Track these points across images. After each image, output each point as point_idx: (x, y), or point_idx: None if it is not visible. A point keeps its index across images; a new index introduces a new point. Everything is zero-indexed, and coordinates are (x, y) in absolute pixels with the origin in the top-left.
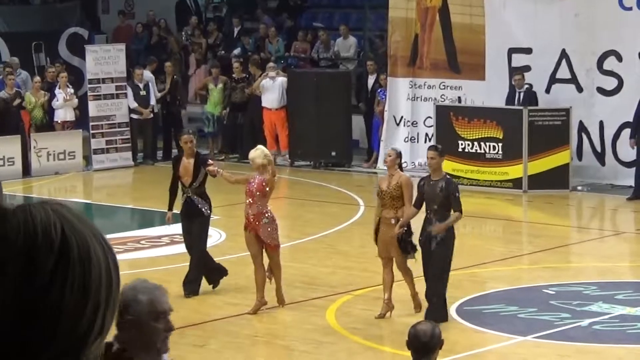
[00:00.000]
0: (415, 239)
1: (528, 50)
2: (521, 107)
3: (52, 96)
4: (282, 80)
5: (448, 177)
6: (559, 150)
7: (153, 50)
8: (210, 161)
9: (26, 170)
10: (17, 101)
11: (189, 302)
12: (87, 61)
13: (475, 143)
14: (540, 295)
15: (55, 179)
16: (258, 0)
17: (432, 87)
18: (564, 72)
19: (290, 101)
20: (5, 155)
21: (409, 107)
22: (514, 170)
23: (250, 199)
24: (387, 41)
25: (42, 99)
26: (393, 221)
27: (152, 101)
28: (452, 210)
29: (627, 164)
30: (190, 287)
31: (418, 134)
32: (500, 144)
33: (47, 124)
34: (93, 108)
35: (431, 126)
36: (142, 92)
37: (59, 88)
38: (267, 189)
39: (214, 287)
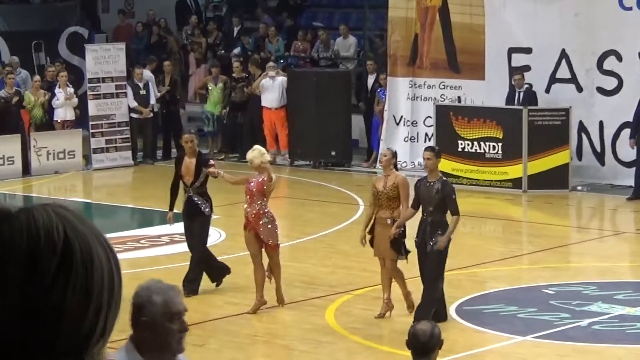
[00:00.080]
0: (412, 240)
1: (528, 50)
2: (521, 107)
3: (52, 95)
4: (282, 79)
5: (444, 179)
6: (558, 150)
7: (153, 50)
8: (211, 161)
9: (26, 170)
10: (16, 99)
11: (188, 302)
12: (87, 60)
13: (475, 143)
14: (540, 295)
15: (55, 178)
16: (258, 0)
17: (432, 86)
18: (563, 72)
19: (290, 101)
20: (5, 155)
21: (408, 106)
22: (514, 170)
23: (249, 199)
24: (387, 41)
25: (42, 98)
26: (389, 221)
27: (152, 100)
28: (448, 213)
29: (627, 164)
30: (190, 286)
31: (418, 133)
32: (500, 144)
33: (47, 123)
34: (93, 107)
35: (431, 126)
36: (142, 92)
37: (59, 87)
38: (266, 188)
39: (217, 286)
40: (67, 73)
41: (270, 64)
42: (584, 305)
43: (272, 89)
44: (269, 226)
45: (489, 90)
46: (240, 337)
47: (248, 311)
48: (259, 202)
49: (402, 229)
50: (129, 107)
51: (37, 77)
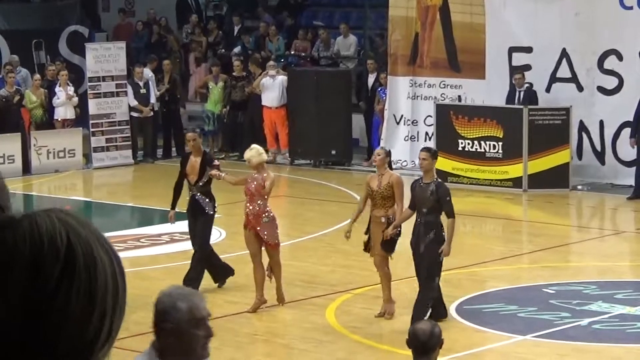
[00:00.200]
0: (407, 241)
1: (528, 49)
2: (521, 106)
3: (53, 94)
4: (282, 78)
5: (439, 180)
6: (559, 150)
7: (153, 49)
8: (216, 162)
9: (26, 168)
10: (17, 98)
11: None
12: (87, 59)
13: (476, 142)
14: (540, 294)
15: (55, 177)
16: None
17: (433, 85)
18: (564, 71)
19: (290, 100)
20: (5, 153)
21: (409, 105)
22: (514, 170)
23: (249, 199)
24: (388, 40)
25: (42, 97)
26: (383, 219)
27: (152, 99)
28: (443, 214)
29: (627, 164)
30: (191, 285)
31: (418, 132)
32: (500, 143)
33: (47, 122)
34: (93, 106)
35: (431, 125)
36: (142, 90)
37: (59, 86)
38: (263, 190)
39: (219, 286)
40: (68, 72)
41: (271, 63)
42: (584, 304)
43: (272, 88)
44: (269, 225)
45: (489, 90)
46: (240, 336)
47: (248, 310)
48: (259, 202)
49: (399, 229)
50: (129, 105)
51: (37, 76)
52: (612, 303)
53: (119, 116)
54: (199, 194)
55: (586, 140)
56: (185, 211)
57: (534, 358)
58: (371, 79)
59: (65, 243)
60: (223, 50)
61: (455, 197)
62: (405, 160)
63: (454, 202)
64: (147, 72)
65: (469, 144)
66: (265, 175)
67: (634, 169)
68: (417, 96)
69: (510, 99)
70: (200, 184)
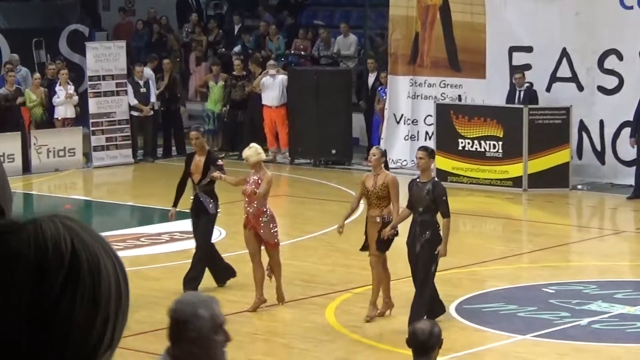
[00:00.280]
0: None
1: (529, 49)
2: (521, 106)
3: (53, 93)
4: (282, 78)
5: (436, 180)
6: (559, 149)
7: (154, 48)
8: (220, 162)
9: (26, 167)
10: (20, 99)
11: None
12: (87, 58)
13: (476, 141)
14: (540, 294)
15: (55, 176)
16: None
17: (433, 85)
18: (564, 71)
19: (290, 99)
20: (5, 152)
21: (409, 105)
22: (514, 169)
23: (248, 198)
24: (388, 39)
25: (42, 96)
26: (378, 219)
27: (152, 98)
28: (438, 214)
29: (627, 163)
30: (191, 284)
31: (418, 132)
32: (500, 143)
33: (47, 121)
34: (93, 105)
35: (431, 124)
36: (143, 90)
37: (60, 85)
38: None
39: (220, 285)
40: (68, 71)
41: (271, 62)
42: (583, 304)
43: (272, 87)
44: (269, 225)
45: (489, 89)
46: (240, 335)
47: (248, 309)
48: (257, 201)
49: (396, 229)
50: (129, 105)
51: (37, 75)
52: (611, 303)
53: (119, 115)
54: (202, 194)
55: (586, 140)
56: (187, 210)
57: (533, 357)
58: (371, 78)
59: (70, 249)
60: (223, 49)
61: (456, 196)
62: (405, 160)
63: (454, 201)
64: (148, 71)
65: (469, 143)
66: (262, 175)
67: (633, 168)
68: (417, 95)
69: (510, 98)
70: (204, 183)
